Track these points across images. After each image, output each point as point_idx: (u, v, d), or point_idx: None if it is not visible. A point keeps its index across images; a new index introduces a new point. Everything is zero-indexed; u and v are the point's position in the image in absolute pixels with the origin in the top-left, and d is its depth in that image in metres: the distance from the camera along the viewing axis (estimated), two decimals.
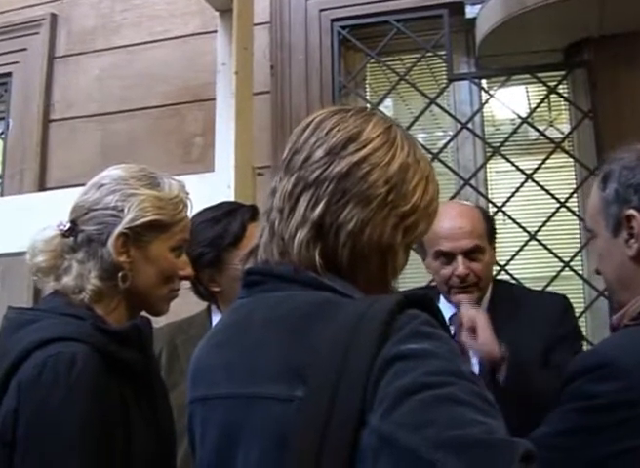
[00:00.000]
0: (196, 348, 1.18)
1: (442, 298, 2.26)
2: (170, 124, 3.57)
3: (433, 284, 2.42)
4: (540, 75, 3.26)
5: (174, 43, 3.66)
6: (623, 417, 1.15)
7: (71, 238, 1.51)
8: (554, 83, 3.24)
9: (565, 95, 3.32)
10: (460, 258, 2.13)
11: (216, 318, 2.11)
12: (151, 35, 3.70)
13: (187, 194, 1.60)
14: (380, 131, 1.12)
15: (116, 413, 1.38)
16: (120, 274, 1.48)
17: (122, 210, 1.48)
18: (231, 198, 2.42)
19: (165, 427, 1.55)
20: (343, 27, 3.44)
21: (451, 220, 2.18)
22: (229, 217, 2.03)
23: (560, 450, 1.23)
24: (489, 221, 2.28)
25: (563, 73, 3.26)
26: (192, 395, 1.13)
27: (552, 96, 3.28)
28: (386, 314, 0.92)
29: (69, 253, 1.51)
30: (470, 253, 2.14)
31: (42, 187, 3.65)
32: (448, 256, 2.15)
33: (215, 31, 3.25)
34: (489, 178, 3.41)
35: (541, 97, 3.32)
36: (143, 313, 1.60)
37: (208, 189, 2.30)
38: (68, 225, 1.52)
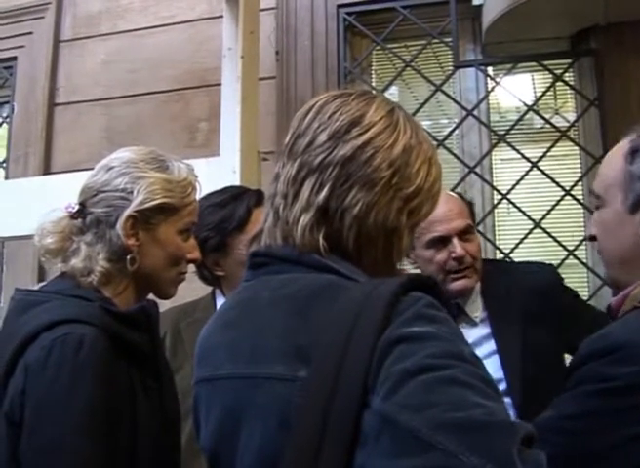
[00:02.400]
0: (203, 329, 1.19)
1: None
2: (175, 108, 3.57)
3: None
4: (546, 63, 3.25)
5: (180, 27, 3.66)
6: (634, 403, 1.14)
7: (80, 220, 1.52)
8: (560, 71, 3.23)
9: (571, 83, 3.31)
10: (455, 240, 2.11)
11: (220, 302, 2.12)
12: (157, 19, 3.69)
13: (196, 177, 1.60)
14: (383, 114, 1.12)
15: (123, 395, 1.38)
16: (128, 257, 1.48)
17: (131, 192, 1.49)
18: (236, 182, 2.42)
19: (170, 408, 1.56)
20: (349, 13, 3.44)
21: (439, 206, 2.17)
22: (235, 202, 2.03)
23: (573, 434, 1.21)
24: (468, 203, 2.29)
25: (569, 61, 3.25)
26: (198, 375, 1.14)
27: (558, 84, 3.27)
28: (390, 296, 0.93)
29: (78, 235, 1.51)
30: (463, 235, 2.14)
31: (47, 171, 3.66)
32: (443, 241, 2.13)
33: (219, 16, 3.24)
34: (494, 166, 3.41)
35: (547, 84, 3.31)
36: (150, 296, 1.60)
37: (213, 174, 2.30)
38: (77, 207, 1.52)
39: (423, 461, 0.78)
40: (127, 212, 1.47)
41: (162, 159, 1.56)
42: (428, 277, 1.02)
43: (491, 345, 2.09)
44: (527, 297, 2.09)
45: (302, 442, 0.88)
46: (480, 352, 2.00)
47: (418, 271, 2.20)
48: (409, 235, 1.14)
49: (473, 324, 2.16)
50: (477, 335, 2.11)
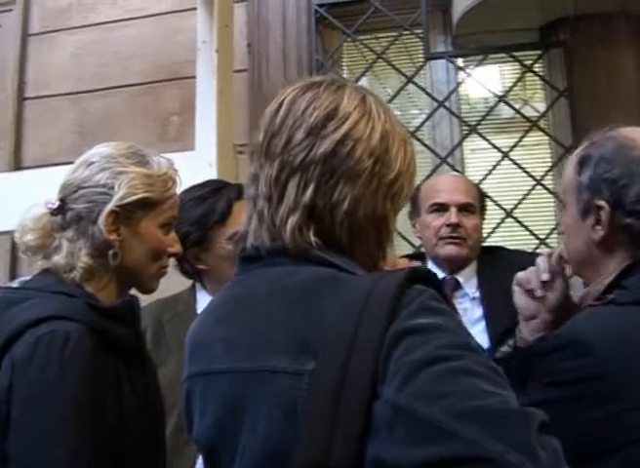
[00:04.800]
0: (193, 324, 1.19)
1: (431, 265, 2.38)
2: (146, 102, 3.56)
3: (422, 250, 2.53)
4: (516, 54, 3.29)
5: (149, 20, 3.64)
6: (591, 390, 1.21)
7: (60, 216, 1.51)
8: (530, 62, 3.27)
9: (541, 73, 3.35)
10: (453, 209, 2.30)
11: (201, 296, 2.13)
12: (127, 12, 3.67)
13: (176, 171, 1.60)
14: (356, 103, 1.11)
15: (110, 390, 1.39)
16: (111, 252, 1.48)
17: (112, 187, 1.48)
18: (213, 177, 2.41)
19: (155, 402, 1.56)
20: (321, 5, 3.44)
21: (449, 178, 2.53)
22: (216, 196, 2.03)
23: None
24: (482, 195, 2.46)
25: (539, 52, 3.29)
26: (190, 370, 1.13)
27: (528, 74, 3.31)
28: (395, 289, 0.93)
29: (58, 232, 1.50)
30: (463, 209, 2.32)
31: (17, 166, 3.63)
32: (442, 209, 2.32)
33: (190, 9, 3.25)
34: (465, 157, 3.44)
35: (517, 75, 3.35)
36: (132, 291, 1.61)
37: (189, 168, 2.28)
38: (57, 203, 1.51)
39: (444, 449, 0.79)
40: (108, 207, 1.47)
41: (142, 154, 1.56)
42: (428, 270, 1.04)
43: (482, 325, 2.20)
44: None
45: (314, 435, 0.88)
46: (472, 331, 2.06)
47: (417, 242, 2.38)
48: (394, 218, 1.15)
49: (470, 299, 2.27)
50: (470, 315, 2.18)
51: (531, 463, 0.77)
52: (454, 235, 2.29)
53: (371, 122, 1.11)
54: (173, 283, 2.12)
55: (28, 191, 2.80)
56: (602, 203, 1.36)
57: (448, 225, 2.29)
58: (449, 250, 2.30)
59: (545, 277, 1.51)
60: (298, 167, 1.08)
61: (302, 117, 1.10)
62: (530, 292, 1.55)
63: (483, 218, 2.43)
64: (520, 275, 1.58)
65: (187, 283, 2.20)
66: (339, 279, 1.01)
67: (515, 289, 1.58)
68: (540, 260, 1.54)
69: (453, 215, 2.29)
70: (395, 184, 1.11)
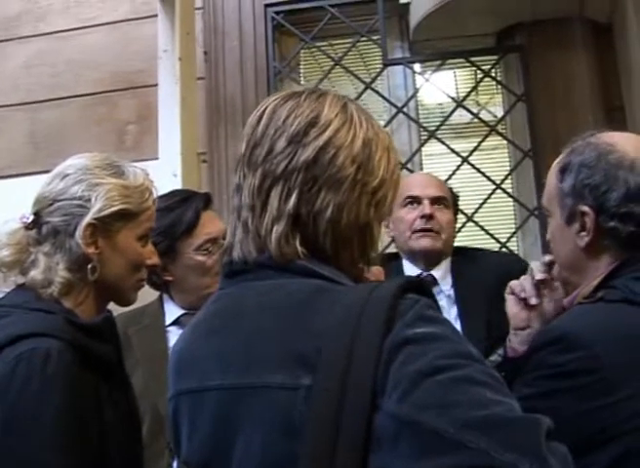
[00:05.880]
0: (178, 340, 1.16)
1: (406, 262, 2.39)
2: (101, 112, 3.50)
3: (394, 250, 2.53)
4: (473, 59, 3.32)
5: (102, 29, 3.58)
6: (583, 383, 1.22)
7: (35, 230, 1.47)
8: (488, 67, 3.30)
9: (498, 78, 3.38)
10: (426, 202, 2.32)
11: (169, 307, 2.09)
12: (80, 21, 3.61)
13: (152, 182, 1.58)
14: (337, 110, 1.11)
15: (91, 408, 1.35)
16: (89, 266, 1.44)
17: (89, 200, 1.45)
18: (178, 186, 2.39)
19: (135, 417, 1.54)
20: (277, 12, 3.43)
21: (421, 175, 2.69)
22: (183, 206, 2.00)
23: (528, 411, 1.28)
24: (454, 195, 2.48)
25: (496, 57, 3.33)
26: (177, 388, 1.11)
27: (485, 79, 3.33)
28: (390, 299, 0.93)
29: (34, 246, 1.46)
30: (436, 203, 2.34)
31: None
32: (416, 201, 2.34)
33: (145, 17, 3.23)
34: (424, 162, 3.45)
35: (474, 81, 3.37)
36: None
37: (153, 178, 2.26)
38: (32, 217, 1.47)
39: (453, 460, 0.79)
40: (86, 219, 1.44)
41: (117, 165, 1.53)
42: (421, 279, 1.03)
43: (457, 326, 2.16)
44: (493, 282, 2.16)
45: (316, 450, 0.87)
46: None
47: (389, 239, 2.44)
48: (378, 226, 1.14)
49: (446, 296, 2.30)
50: (446, 315, 2.19)
51: None
52: (427, 227, 2.29)
53: (352, 129, 1.10)
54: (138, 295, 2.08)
55: None
56: (586, 208, 1.38)
57: (422, 217, 2.30)
58: (424, 242, 2.30)
59: (541, 276, 1.53)
60: (280, 175, 1.07)
61: (284, 126, 1.09)
62: (523, 301, 1.55)
63: (455, 219, 2.45)
64: (514, 283, 1.59)
65: (152, 294, 2.16)
66: (328, 290, 1.00)
67: (508, 297, 1.59)
68: (533, 266, 1.56)
69: (426, 207, 2.30)
70: (379, 192, 1.11)
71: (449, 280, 2.35)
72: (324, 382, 0.90)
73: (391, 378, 0.86)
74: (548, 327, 1.37)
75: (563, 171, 1.44)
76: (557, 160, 1.50)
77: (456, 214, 2.46)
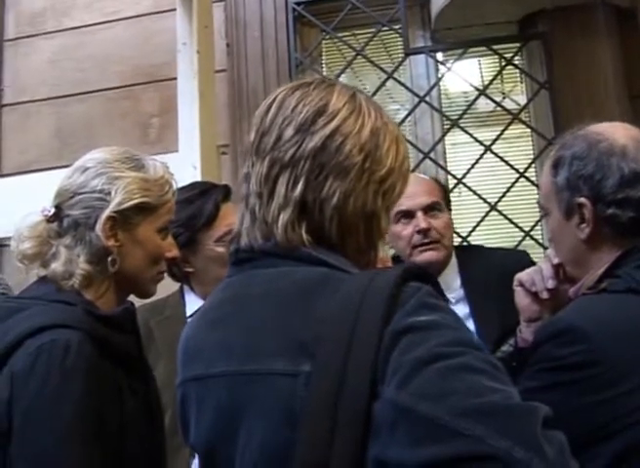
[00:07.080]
0: (186, 328, 1.18)
1: None
2: (125, 105, 3.53)
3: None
4: (495, 47, 3.29)
5: (125, 23, 3.61)
6: (586, 376, 1.23)
7: (56, 223, 1.50)
8: (510, 55, 3.27)
9: (521, 66, 3.35)
10: (419, 214, 2.22)
11: (189, 299, 2.11)
12: (103, 16, 3.64)
13: (172, 175, 1.59)
14: (346, 99, 1.12)
15: (111, 399, 1.37)
16: (109, 258, 1.47)
17: (109, 193, 1.47)
18: (197, 178, 2.40)
19: (155, 408, 1.55)
20: (298, 3, 3.43)
21: (408, 185, 2.28)
22: (203, 198, 2.02)
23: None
24: (442, 187, 2.40)
25: (518, 45, 3.30)
26: (185, 375, 1.12)
27: (508, 67, 3.31)
28: (392, 287, 0.93)
29: (55, 239, 1.49)
30: (429, 211, 2.24)
31: None
32: (409, 216, 2.23)
33: (167, 10, 3.24)
34: (447, 151, 3.44)
35: (497, 68, 3.35)
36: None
37: (174, 170, 2.28)
38: (53, 210, 1.50)
39: (449, 448, 0.79)
40: (106, 212, 1.46)
41: (137, 158, 1.55)
42: (422, 267, 1.04)
43: (469, 325, 2.14)
44: (503, 280, 2.13)
45: (314, 436, 0.88)
46: None
47: (392, 251, 2.31)
48: (386, 216, 1.14)
49: (453, 304, 2.22)
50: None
51: (538, 459, 0.77)
52: (426, 241, 2.22)
53: (360, 118, 1.11)
54: (159, 286, 2.10)
55: (10, 198, 2.80)
56: (583, 200, 1.39)
57: (418, 232, 2.21)
58: (427, 256, 2.22)
59: (551, 284, 1.54)
60: (287, 163, 1.08)
61: (292, 114, 1.10)
62: (534, 294, 1.56)
63: (449, 209, 2.37)
64: (522, 276, 1.59)
65: (174, 286, 2.18)
66: (333, 278, 1.01)
67: (517, 289, 1.59)
68: (543, 265, 1.56)
69: (421, 221, 2.21)
70: (386, 181, 1.11)
71: (457, 282, 2.29)
72: (323, 369, 0.90)
73: (391, 366, 0.87)
74: (552, 319, 1.38)
75: (556, 166, 1.46)
76: (549, 157, 1.51)
77: (449, 206, 2.37)
